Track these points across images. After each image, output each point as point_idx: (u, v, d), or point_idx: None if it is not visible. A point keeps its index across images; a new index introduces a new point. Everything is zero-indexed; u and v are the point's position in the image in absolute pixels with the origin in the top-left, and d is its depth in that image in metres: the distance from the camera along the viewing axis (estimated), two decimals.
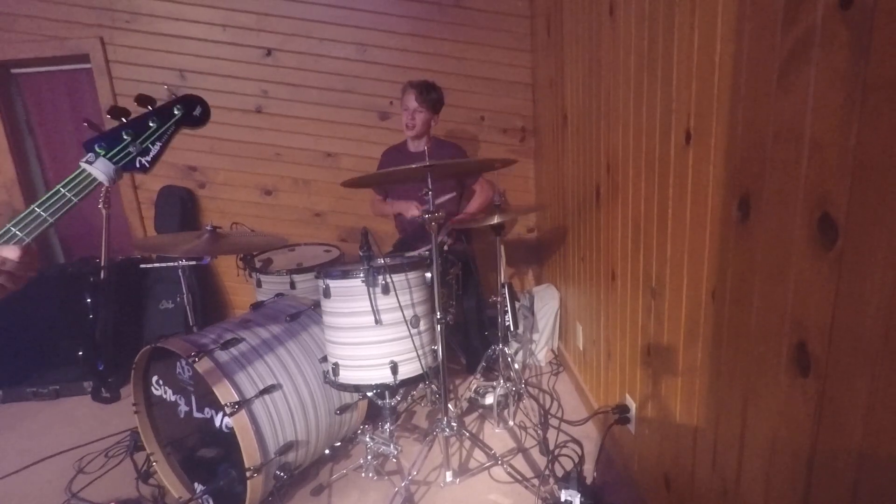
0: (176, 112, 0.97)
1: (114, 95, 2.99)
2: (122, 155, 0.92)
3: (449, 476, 1.67)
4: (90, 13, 2.90)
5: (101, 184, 0.89)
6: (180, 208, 3.05)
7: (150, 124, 0.95)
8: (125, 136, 0.92)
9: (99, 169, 0.89)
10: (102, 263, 2.59)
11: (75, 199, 0.87)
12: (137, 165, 0.94)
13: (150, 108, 0.96)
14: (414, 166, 1.51)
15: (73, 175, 0.88)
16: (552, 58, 2.40)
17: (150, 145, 0.95)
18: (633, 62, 1.39)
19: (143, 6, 2.90)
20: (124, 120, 0.93)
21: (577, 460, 1.80)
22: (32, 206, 0.85)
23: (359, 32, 2.92)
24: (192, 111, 0.99)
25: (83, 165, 0.89)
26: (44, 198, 0.86)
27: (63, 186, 0.87)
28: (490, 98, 3.02)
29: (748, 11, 0.85)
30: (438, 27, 2.91)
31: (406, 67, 2.94)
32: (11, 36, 2.94)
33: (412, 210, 2.34)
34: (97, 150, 0.90)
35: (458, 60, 2.95)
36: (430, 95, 2.33)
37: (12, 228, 0.83)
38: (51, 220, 0.85)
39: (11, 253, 0.82)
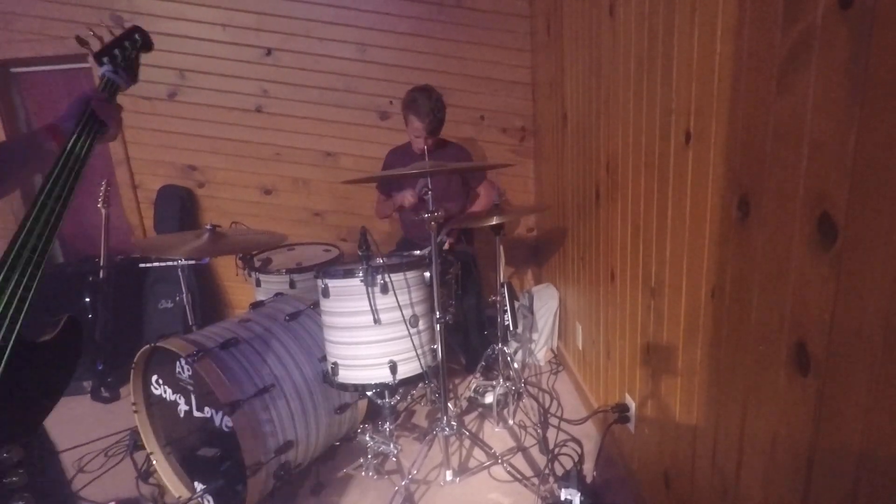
0: (137, 38, 1.26)
1: None
2: (125, 64, 1.21)
3: (449, 475, 1.67)
4: (90, 13, 2.90)
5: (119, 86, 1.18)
6: (180, 208, 3.05)
7: (127, 45, 1.23)
8: (117, 52, 1.20)
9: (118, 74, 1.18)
10: (102, 263, 2.59)
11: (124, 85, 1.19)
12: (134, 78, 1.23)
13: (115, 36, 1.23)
14: (414, 171, 1.52)
15: (101, 82, 1.16)
16: (552, 58, 2.41)
17: (132, 63, 1.24)
18: (633, 62, 1.39)
19: (143, 6, 2.89)
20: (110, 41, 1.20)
21: (576, 459, 1.80)
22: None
23: (359, 32, 2.92)
24: (147, 38, 1.28)
25: (106, 73, 1.17)
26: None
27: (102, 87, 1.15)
28: (490, 98, 3.02)
29: (748, 11, 0.85)
30: (438, 27, 2.90)
31: (406, 67, 2.94)
32: (11, 36, 2.94)
33: (407, 197, 2.33)
34: (105, 61, 1.17)
35: (458, 60, 2.95)
36: (438, 121, 2.25)
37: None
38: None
39: None
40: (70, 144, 0.99)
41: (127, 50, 1.23)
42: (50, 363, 0.89)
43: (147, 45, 1.28)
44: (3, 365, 0.79)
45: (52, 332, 0.90)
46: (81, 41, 1.20)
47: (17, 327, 0.82)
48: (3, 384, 0.79)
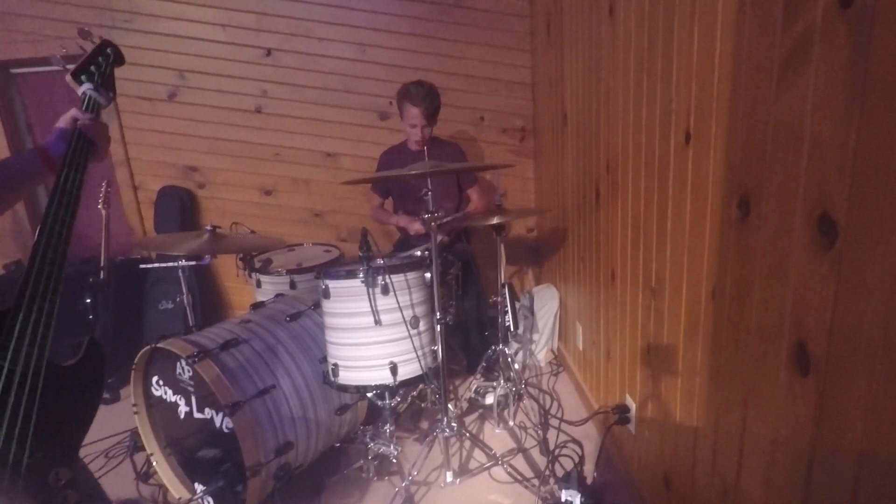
0: (109, 52, 1.25)
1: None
2: (101, 81, 1.20)
3: (449, 476, 1.67)
4: (90, 13, 2.90)
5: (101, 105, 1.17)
6: (180, 208, 3.05)
7: (101, 60, 1.22)
8: (93, 69, 1.20)
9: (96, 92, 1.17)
10: (102, 264, 2.59)
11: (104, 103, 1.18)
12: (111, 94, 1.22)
13: (87, 53, 1.23)
14: (413, 171, 1.51)
15: (84, 101, 1.15)
16: (552, 58, 2.40)
17: (109, 79, 1.23)
18: (633, 62, 1.39)
19: (143, 6, 2.90)
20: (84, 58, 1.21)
21: (577, 460, 1.80)
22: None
23: (359, 32, 2.92)
24: (118, 52, 1.27)
25: (87, 92, 1.16)
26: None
27: (85, 106, 1.14)
28: (490, 98, 3.02)
29: (748, 11, 0.85)
30: (438, 27, 2.90)
31: (406, 67, 2.94)
32: (11, 36, 2.94)
33: (415, 226, 2.34)
34: (83, 79, 1.17)
35: (458, 60, 2.95)
36: (434, 107, 2.27)
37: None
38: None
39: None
40: (65, 169, 1.00)
41: (101, 66, 1.22)
42: (78, 386, 0.91)
43: (119, 60, 1.27)
44: (39, 390, 0.82)
45: (75, 356, 0.93)
46: (56, 60, 1.21)
47: (46, 352, 0.85)
48: (39, 409, 0.81)
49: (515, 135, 3.09)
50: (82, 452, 2.11)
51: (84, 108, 1.14)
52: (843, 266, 0.67)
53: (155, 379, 1.65)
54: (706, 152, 1.02)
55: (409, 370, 1.63)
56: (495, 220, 1.91)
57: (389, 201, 2.68)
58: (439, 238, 1.82)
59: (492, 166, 2.94)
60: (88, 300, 2.58)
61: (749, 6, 0.85)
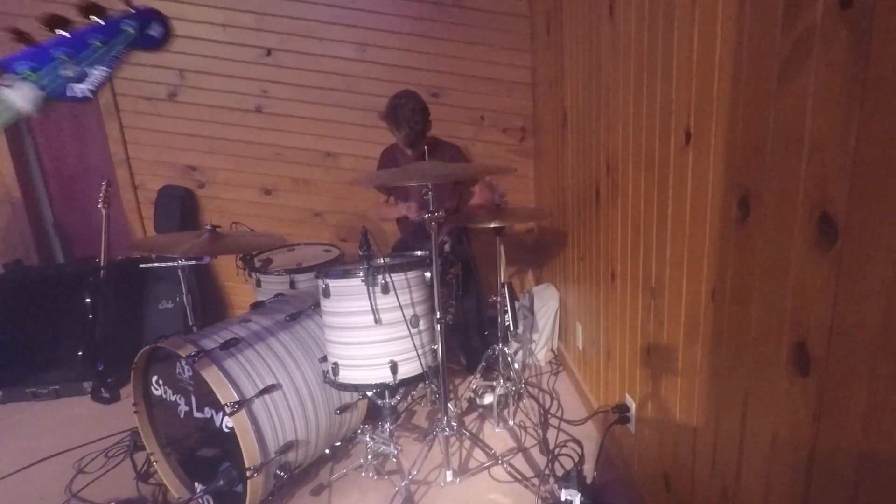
0: (126, 29, 0.80)
1: (113, 95, 2.99)
2: (52, 79, 0.74)
3: (449, 476, 1.67)
4: None
5: (22, 113, 0.72)
6: (180, 208, 3.05)
7: (93, 43, 0.77)
8: (58, 57, 0.74)
9: (21, 95, 0.70)
10: (102, 263, 2.59)
11: None
12: (73, 94, 0.76)
13: (94, 19, 0.78)
14: (412, 164, 1.51)
15: None
16: (552, 58, 2.40)
17: (90, 69, 0.77)
18: (633, 62, 1.39)
19: (143, 6, 2.89)
20: (60, 33, 0.75)
21: (577, 460, 1.80)
22: None
23: (359, 32, 2.92)
24: (147, 29, 0.81)
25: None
26: None
27: None
28: (490, 98, 3.02)
29: (748, 11, 0.85)
30: (438, 27, 2.90)
31: (406, 67, 2.94)
32: (11, 36, 2.94)
33: (413, 211, 2.34)
34: (19, 71, 0.72)
35: (458, 60, 2.95)
36: (418, 131, 2.18)
37: None
38: None
39: None
40: None
41: (86, 55, 0.79)
42: None
43: (149, 43, 0.85)
44: None
45: None
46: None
47: None
48: None
49: (515, 135, 3.09)
50: (81, 452, 2.12)
51: None
52: (843, 266, 0.67)
53: (155, 378, 1.65)
54: (706, 152, 1.02)
55: (409, 369, 1.64)
56: (494, 225, 1.90)
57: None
58: (440, 240, 1.82)
59: (491, 166, 2.94)
60: (88, 300, 2.58)
61: (749, 6, 0.85)
